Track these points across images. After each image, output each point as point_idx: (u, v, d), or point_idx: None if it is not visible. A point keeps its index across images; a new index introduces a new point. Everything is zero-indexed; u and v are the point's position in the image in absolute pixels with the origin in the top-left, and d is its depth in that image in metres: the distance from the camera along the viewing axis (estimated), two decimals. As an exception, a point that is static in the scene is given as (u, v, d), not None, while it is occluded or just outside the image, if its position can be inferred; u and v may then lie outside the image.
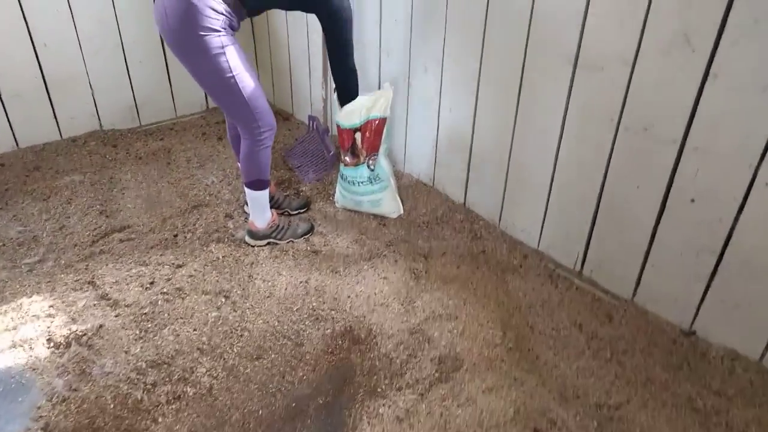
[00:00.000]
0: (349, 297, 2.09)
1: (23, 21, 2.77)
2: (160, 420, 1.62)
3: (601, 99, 1.86)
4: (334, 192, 2.67)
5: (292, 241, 2.38)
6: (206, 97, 3.53)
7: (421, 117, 2.60)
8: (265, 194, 2.27)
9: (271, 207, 2.54)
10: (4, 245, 2.32)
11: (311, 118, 3.02)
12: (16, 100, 2.88)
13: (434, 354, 1.80)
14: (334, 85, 2.38)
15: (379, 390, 1.74)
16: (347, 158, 2.44)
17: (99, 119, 3.19)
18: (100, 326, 1.87)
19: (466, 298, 2.02)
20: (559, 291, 2.13)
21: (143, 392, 1.66)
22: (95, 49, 3.01)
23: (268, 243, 2.36)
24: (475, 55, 2.22)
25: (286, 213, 2.56)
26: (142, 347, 1.79)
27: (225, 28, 1.92)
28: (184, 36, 1.87)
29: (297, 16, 3.03)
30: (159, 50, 3.21)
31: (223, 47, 1.90)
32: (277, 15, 3.20)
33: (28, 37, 2.81)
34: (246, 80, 1.98)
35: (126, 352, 1.77)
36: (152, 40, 3.15)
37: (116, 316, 1.93)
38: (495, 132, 2.29)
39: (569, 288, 2.15)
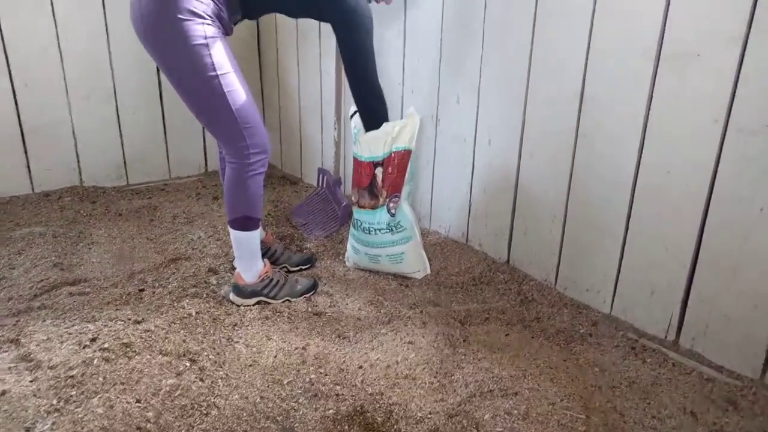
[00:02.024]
0: (360, 368, 1.52)
1: (3, 56, 2.48)
2: None
3: (699, 96, 1.42)
4: (345, 251, 2.18)
5: (289, 301, 1.85)
6: (205, 158, 3.16)
7: (451, 158, 2.16)
8: (254, 237, 1.79)
9: (268, 260, 2.05)
10: None
11: (321, 171, 2.61)
12: (-16, 144, 2.52)
13: (488, 445, 1.20)
14: (354, 109, 1.99)
15: (404, 500, 1.13)
16: (364, 199, 1.97)
17: (80, 174, 2.79)
18: (2, 393, 1.30)
19: (525, 370, 1.44)
20: (649, 367, 1.55)
21: (38, 492, 1.06)
22: (83, 94, 2.69)
23: (259, 302, 1.83)
24: (520, 72, 1.83)
25: (285, 269, 2.05)
26: (54, 423, 1.20)
27: (211, 17, 1.56)
28: (160, 20, 1.50)
29: (309, 61, 2.74)
30: (156, 101, 2.89)
31: (206, 38, 1.53)
32: (288, 62, 2.92)
33: (7, 75, 2.51)
34: (234, 85, 1.59)
35: (27, 430, 1.19)
36: (149, 89, 2.84)
37: (31, 381, 1.36)
38: (549, 166, 1.83)
39: (662, 363, 1.57)
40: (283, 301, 1.84)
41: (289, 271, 2.04)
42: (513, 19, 1.82)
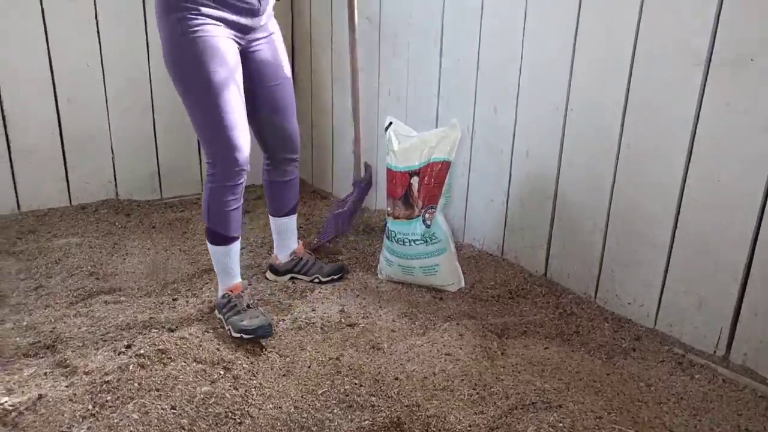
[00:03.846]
0: (396, 379, 1.48)
1: (49, 72, 2.55)
2: None
3: (752, 102, 1.37)
4: (377, 262, 2.15)
5: (230, 332, 1.63)
6: (237, 174, 3.19)
7: (487, 169, 2.13)
8: (217, 253, 1.70)
9: (298, 271, 2.03)
10: (-39, 304, 1.84)
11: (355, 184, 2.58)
12: (27, 157, 2.57)
13: (532, 459, 1.15)
14: (389, 120, 1.99)
15: None
16: (398, 209, 1.95)
17: (116, 187, 2.84)
18: (39, 397, 1.30)
19: (568, 383, 1.39)
20: (697, 383, 1.48)
21: (74, 495, 1.05)
22: (122, 108, 2.75)
23: (222, 318, 1.71)
24: (560, 80, 1.80)
25: (317, 280, 2.03)
26: (89, 428, 1.19)
27: (204, 7, 1.52)
28: (157, 6, 1.55)
29: (344, 77, 2.75)
30: (191, 118, 2.94)
31: (193, 32, 1.50)
32: (323, 77, 2.94)
33: (52, 91, 2.58)
34: (213, 88, 1.53)
35: (64, 434, 1.18)
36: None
37: (67, 386, 1.36)
38: (589, 175, 1.79)
39: (712, 380, 1.49)
40: (227, 329, 1.64)
41: (321, 282, 2.03)
42: (553, 26, 1.80)
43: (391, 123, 2.02)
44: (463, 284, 2.00)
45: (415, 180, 1.91)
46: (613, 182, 1.72)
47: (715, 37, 1.42)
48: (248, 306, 1.70)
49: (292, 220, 2.02)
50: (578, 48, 1.74)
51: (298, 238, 2.10)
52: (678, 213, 1.57)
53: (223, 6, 1.56)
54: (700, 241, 1.53)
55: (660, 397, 1.41)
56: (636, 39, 1.59)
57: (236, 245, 1.73)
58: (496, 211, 2.14)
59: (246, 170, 1.65)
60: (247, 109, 1.71)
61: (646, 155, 1.62)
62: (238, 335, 1.60)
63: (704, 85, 1.46)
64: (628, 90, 1.63)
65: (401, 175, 1.93)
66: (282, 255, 2.06)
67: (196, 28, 1.52)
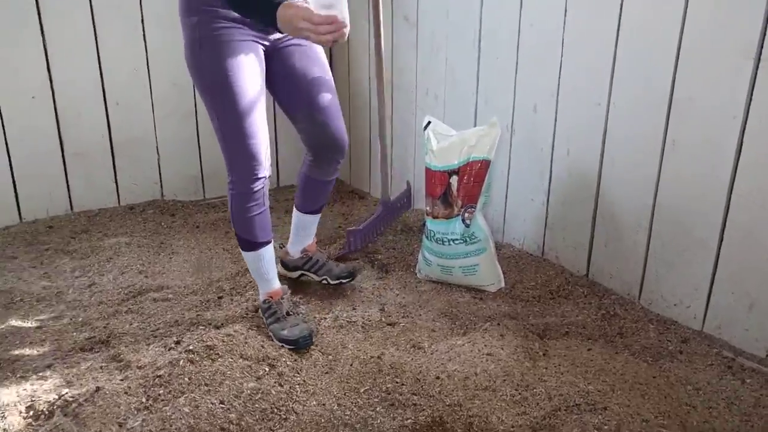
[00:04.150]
0: (438, 378, 1.49)
1: (99, 76, 2.65)
2: None
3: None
4: (416, 262, 2.16)
5: (272, 337, 1.67)
6: (278, 173, 3.24)
7: (527, 168, 2.12)
8: (250, 258, 1.71)
9: (308, 269, 2.01)
10: (21, 300, 1.93)
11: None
12: (79, 159, 2.68)
13: (577, 461, 1.14)
14: (427, 119, 2.00)
15: None
16: (438, 209, 1.96)
17: (161, 188, 2.93)
18: (97, 389, 1.36)
19: (613, 385, 1.37)
20: (748, 387, 1.44)
21: (130, 485, 1.10)
22: (167, 112, 2.84)
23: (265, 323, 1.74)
24: (602, 76, 1.78)
25: (325, 281, 1.99)
26: (144, 420, 1.25)
27: (224, 9, 1.48)
28: (179, 8, 1.57)
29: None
30: (233, 120, 3.01)
31: (212, 35, 1.48)
32: (360, 75, 2.97)
33: (101, 94, 2.68)
34: (229, 94, 1.49)
35: (120, 425, 1.23)
36: (227, 108, 2.96)
37: (122, 380, 1.42)
38: (633, 173, 1.76)
39: (765, 384, 1.45)
40: (269, 334, 1.68)
41: (329, 284, 1.98)
42: (594, 20, 1.77)
43: (429, 122, 2.03)
44: (503, 284, 2.00)
45: (454, 179, 1.91)
46: (658, 179, 1.69)
47: (766, 29, 1.38)
48: (287, 313, 1.71)
49: (315, 219, 1.99)
50: (621, 41, 1.71)
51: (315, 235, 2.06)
52: (727, 211, 1.53)
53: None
54: (751, 239, 1.49)
55: (709, 402, 1.38)
56: (682, 31, 1.55)
57: (267, 250, 1.71)
58: (536, 211, 2.12)
59: (263, 177, 1.60)
60: (285, 107, 1.72)
61: (692, 151, 1.59)
62: (280, 344, 1.63)
63: (754, 78, 1.42)
64: (673, 84, 1.60)
65: (440, 175, 1.93)
66: (294, 250, 2.03)
67: (215, 32, 1.49)
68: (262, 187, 1.62)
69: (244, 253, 1.72)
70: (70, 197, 2.72)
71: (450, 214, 1.94)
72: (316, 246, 2.08)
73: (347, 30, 1.34)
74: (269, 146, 1.63)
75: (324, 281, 2.00)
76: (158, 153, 2.88)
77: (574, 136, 1.92)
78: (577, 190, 1.95)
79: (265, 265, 1.71)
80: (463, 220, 1.93)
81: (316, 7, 1.30)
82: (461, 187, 1.91)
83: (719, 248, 1.57)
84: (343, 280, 1.97)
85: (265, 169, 1.60)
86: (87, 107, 2.66)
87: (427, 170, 1.98)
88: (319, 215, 1.99)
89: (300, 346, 1.61)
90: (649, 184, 1.71)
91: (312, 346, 1.64)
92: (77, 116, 2.65)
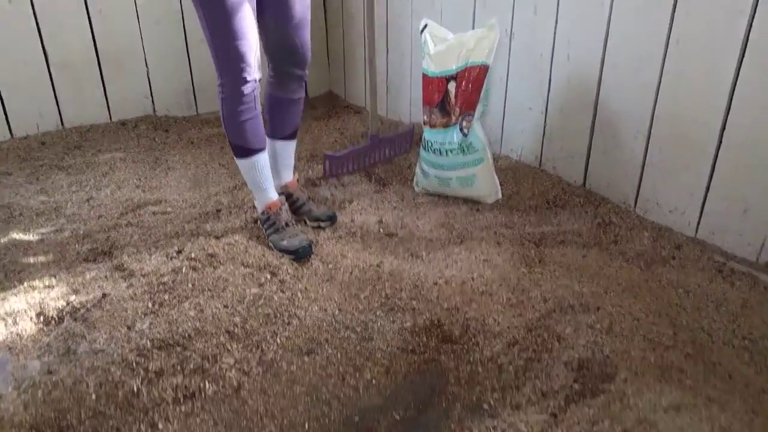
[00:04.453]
0: (436, 284, 1.52)
1: (78, -18, 2.52)
2: (160, 425, 1.10)
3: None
4: (413, 175, 2.16)
5: (272, 248, 1.69)
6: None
7: (526, 75, 2.06)
8: (246, 166, 1.69)
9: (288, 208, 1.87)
10: (21, 215, 1.94)
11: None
12: (65, 71, 2.59)
13: (569, 356, 1.19)
14: (424, 22, 1.92)
15: (485, 407, 1.15)
16: (435, 117, 1.93)
17: (153, 103, 2.86)
18: (103, 296, 1.40)
19: (606, 287, 1.41)
20: (738, 290, 1.48)
21: (142, 382, 1.15)
22: (154, 20, 2.72)
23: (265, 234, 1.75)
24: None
25: (303, 222, 1.88)
26: (151, 323, 1.29)
27: None
28: None
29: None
30: (222, 30, 2.89)
31: None
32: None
33: (83, 2, 2.55)
34: (216, 8, 1.47)
35: (128, 328, 1.27)
36: (216, 18, 2.84)
37: (127, 287, 1.45)
38: (634, 77, 1.72)
39: (753, 287, 1.50)
40: (269, 244, 1.70)
41: (306, 225, 1.88)
42: None
43: (426, 25, 1.95)
44: (500, 195, 2.00)
45: (452, 85, 1.87)
46: (659, 84, 1.65)
47: None
48: (286, 224, 1.72)
49: (289, 146, 1.88)
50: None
51: (295, 170, 1.98)
52: (727, 114, 1.51)
53: None
54: (749, 142, 1.48)
55: (699, 303, 1.43)
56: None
57: (261, 158, 1.69)
58: (534, 120, 2.09)
59: (252, 79, 1.57)
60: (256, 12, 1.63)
61: (695, 53, 1.54)
62: (281, 254, 1.65)
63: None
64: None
65: (438, 81, 1.89)
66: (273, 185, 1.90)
67: None
68: (252, 91, 1.59)
69: (238, 162, 1.70)
70: (60, 112, 2.66)
71: (447, 123, 1.91)
72: (299, 184, 1.98)
73: None
74: (258, 50, 1.59)
75: (302, 222, 1.88)
76: (147, 65, 2.79)
77: (574, 40, 1.86)
78: (576, 97, 1.91)
79: (261, 174, 1.70)
80: (461, 129, 1.90)
81: None
82: (459, 93, 1.87)
83: (717, 152, 1.56)
84: (322, 223, 1.86)
85: (255, 71, 1.58)
86: (68, 15, 2.54)
87: (425, 77, 1.93)
88: (294, 142, 1.90)
89: (300, 255, 1.63)
90: (649, 89, 1.68)
91: (312, 256, 1.67)
92: (58, 25, 2.53)
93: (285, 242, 1.66)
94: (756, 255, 1.54)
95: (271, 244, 1.69)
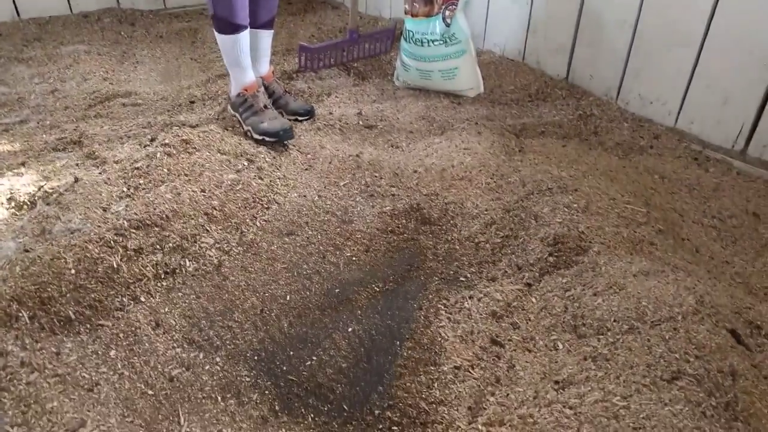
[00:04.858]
0: (416, 172, 1.52)
1: None
2: (142, 298, 1.10)
3: None
4: (394, 69, 2.09)
5: (250, 133, 1.62)
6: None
7: (512, -35, 1.98)
8: (227, 42, 1.59)
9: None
10: (-19, 106, 1.85)
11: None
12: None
13: (545, 233, 1.21)
14: None
15: (462, 279, 1.18)
16: (417, 5, 1.85)
17: (117, -5, 2.70)
18: (76, 180, 1.36)
19: (585, 172, 1.42)
20: (711, 175, 1.51)
21: (122, 259, 1.14)
22: None
23: (239, 120, 1.69)
24: None
25: (280, 115, 1.76)
26: (127, 205, 1.26)
27: None
28: None
29: None
30: None
31: None
32: None
33: None
34: None
35: (104, 210, 1.25)
36: None
37: (100, 173, 1.41)
38: (623, -38, 1.65)
39: (726, 172, 1.53)
40: (246, 130, 1.65)
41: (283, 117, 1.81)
42: None
43: None
44: (482, 89, 1.97)
45: (435, -28, 1.78)
46: (651, -30, 1.59)
47: None
48: (265, 106, 1.67)
49: (266, 36, 1.77)
50: None
51: (271, 63, 1.91)
52: (717, 1, 1.47)
53: None
54: (735, 33, 1.46)
55: (673, 187, 1.46)
56: None
57: (244, 36, 1.61)
58: (518, 13, 2.02)
59: None
60: None
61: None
62: (260, 137, 1.59)
63: None
64: None
65: (421, -33, 1.79)
66: None
67: None
68: None
69: (220, 38, 1.61)
70: (15, 2, 2.48)
71: (430, 12, 1.84)
72: (274, 76, 1.89)
73: None
74: None
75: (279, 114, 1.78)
76: (108, -47, 2.60)
77: None
78: (564, -15, 1.84)
79: (242, 52, 1.62)
80: (444, 19, 1.83)
81: None
82: (442, -20, 1.78)
83: (703, 41, 1.53)
84: (300, 117, 1.79)
85: None
86: None
87: (407, -39, 1.83)
88: (272, 32, 1.80)
89: (282, 138, 1.59)
90: (640, -26, 1.62)
91: (290, 146, 1.63)
92: None
93: (265, 124, 1.60)
94: (732, 143, 1.56)
95: (248, 128, 1.63)
